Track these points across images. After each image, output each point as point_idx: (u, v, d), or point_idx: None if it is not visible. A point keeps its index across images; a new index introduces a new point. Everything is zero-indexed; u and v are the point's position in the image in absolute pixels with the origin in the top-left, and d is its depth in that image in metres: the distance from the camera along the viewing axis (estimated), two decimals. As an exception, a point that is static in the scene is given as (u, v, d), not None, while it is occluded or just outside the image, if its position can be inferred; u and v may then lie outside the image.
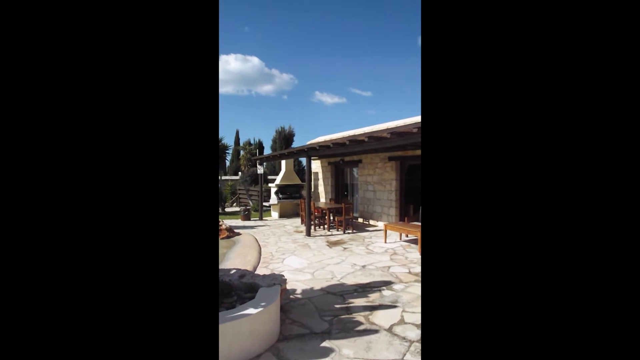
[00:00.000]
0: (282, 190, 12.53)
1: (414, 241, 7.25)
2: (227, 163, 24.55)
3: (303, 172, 19.17)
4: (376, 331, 3.10)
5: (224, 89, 68.65)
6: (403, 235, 7.68)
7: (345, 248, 6.74)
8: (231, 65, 70.12)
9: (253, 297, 3.12)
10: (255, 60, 73.02)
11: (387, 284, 4.48)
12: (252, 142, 27.09)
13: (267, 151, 26.98)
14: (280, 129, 26.49)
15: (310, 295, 4.09)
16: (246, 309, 2.77)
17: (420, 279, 4.53)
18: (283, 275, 3.59)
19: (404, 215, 8.66)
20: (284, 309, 3.56)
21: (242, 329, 2.63)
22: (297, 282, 4.58)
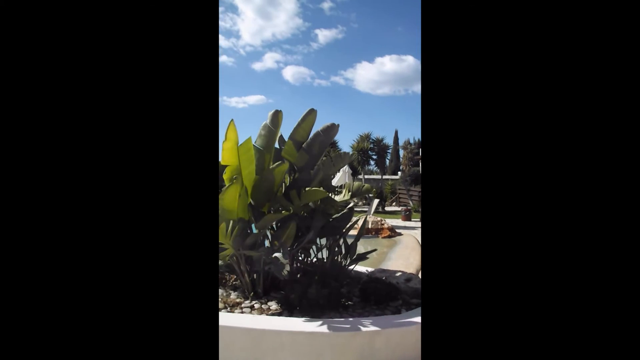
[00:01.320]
0: (445, 191, 11.86)
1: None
2: (387, 162, 24.79)
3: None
4: None
5: (380, 90, 69.38)
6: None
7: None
8: (386, 67, 70.02)
9: (420, 304, 2.96)
10: (410, 59, 70.96)
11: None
12: (411, 141, 26.58)
13: (428, 150, 26.04)
14: (442, 127, 25.22)
15: (482, 310, 3.66)
16: (415, 316, 2.63)
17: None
18: (453, 285, 3.30)
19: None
20: (452, 322, 3.27)
21: (408, 336, 2.50)
22: (466, 294, 4.17)
